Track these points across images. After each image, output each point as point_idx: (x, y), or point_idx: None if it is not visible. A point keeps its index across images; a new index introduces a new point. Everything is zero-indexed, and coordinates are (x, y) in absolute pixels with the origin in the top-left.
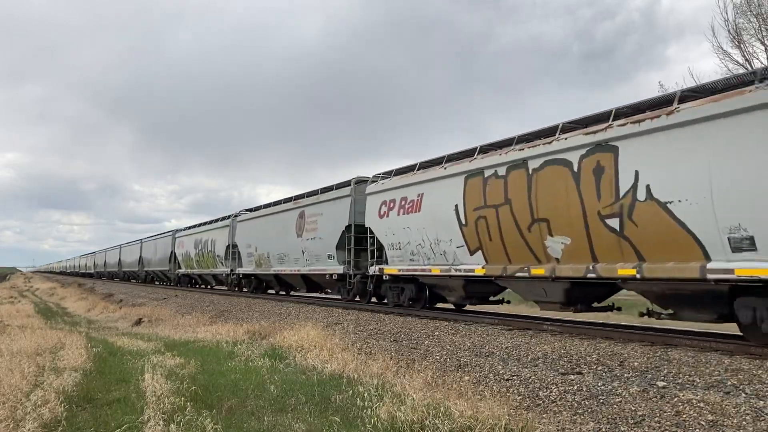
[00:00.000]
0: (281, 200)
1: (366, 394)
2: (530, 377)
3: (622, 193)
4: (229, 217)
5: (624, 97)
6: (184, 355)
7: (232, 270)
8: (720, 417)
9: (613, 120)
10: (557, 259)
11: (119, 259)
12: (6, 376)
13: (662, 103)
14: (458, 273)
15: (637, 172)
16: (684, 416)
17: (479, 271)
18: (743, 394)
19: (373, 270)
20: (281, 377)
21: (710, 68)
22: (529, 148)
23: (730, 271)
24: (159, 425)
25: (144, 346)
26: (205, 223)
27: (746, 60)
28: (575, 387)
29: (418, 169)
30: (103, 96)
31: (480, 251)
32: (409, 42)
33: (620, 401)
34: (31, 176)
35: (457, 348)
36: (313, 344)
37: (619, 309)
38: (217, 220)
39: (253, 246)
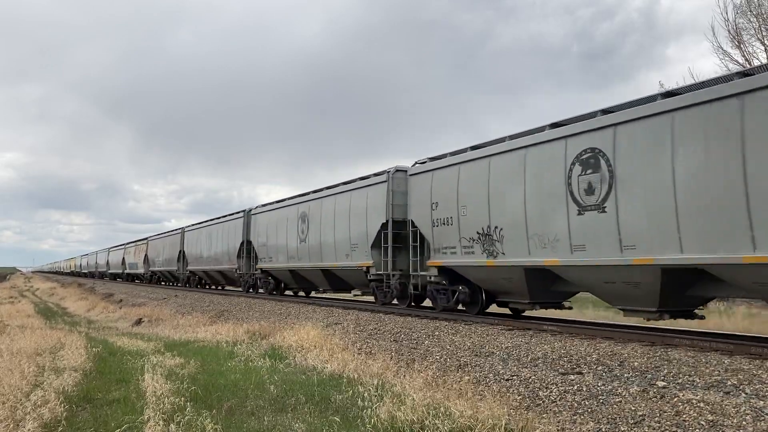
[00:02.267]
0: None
1: (366, 394)
2: (530, 377)
3: None
4: None
5: (624, 96)
6: (184, 355)
7: None
8: (720, 417)
9: None
10: None
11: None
12: (6, 376)
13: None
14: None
15: None
16: (684, 416)
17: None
18: (743, 394)
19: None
20: (281, 377)
21: (710, 68)
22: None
23: None
24: (159, 425)
25: (144, 346)
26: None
27: (746, 60)
28: (575, 387)
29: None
30: (102, 96)
31: None
32: (409, 42)
33: (620, 401)
34: (31, 176)
35: (457, 348)
36: (313, 344)
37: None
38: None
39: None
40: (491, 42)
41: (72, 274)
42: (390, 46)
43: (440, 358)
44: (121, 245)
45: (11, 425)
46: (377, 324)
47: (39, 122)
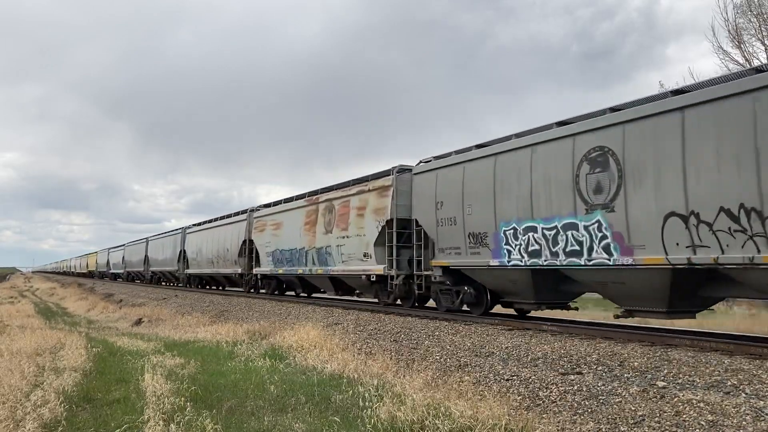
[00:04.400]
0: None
1: (366, 395)
2: (530, 377)
3: None
4: None
5: (624, 96)
6: (184, 355)
7: None
8: (720, 417)
9: None
10: None
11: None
12: (6, 376)
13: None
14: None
15: None
16: (684, 416)
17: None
18: (743, 394)
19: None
20: (281, 377)
21: (710, 68)
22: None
23: None
24: (159, 425)
25: (144, 346)
26: None
27: (746, 60)
28: (575, 387)
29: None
30: (102, 96)
31: None
32: (409, 42)
33: (620, 401)
34: (31, 176)
35: (457, 348)
36: (313, 344)
37: None
38: None
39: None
40: (491, 42)
41: (89, 275)
42: (390, 46)
43: (440, 358)
44: (214, 221)
45: (11, 425)
46: (377, 324)
47: (39, 122)
